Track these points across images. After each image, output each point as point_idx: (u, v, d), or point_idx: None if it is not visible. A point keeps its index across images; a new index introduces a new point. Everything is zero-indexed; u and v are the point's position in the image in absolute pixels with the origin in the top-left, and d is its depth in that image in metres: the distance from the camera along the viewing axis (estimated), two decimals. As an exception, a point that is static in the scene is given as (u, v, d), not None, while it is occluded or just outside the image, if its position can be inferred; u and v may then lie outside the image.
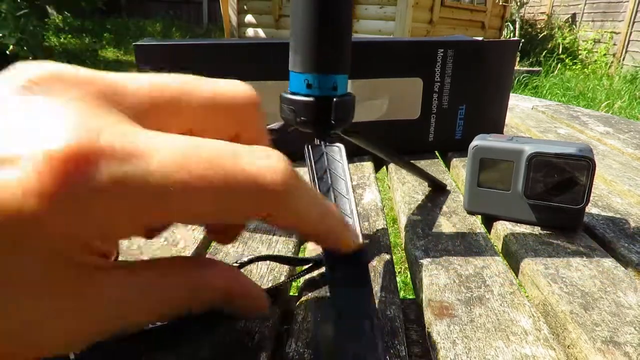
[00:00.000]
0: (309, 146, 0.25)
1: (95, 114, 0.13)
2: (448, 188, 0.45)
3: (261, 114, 0.18)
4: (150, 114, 0.15)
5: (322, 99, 0.27)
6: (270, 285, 0.28)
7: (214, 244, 0.35)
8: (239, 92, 0.17)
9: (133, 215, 0.13)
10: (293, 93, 0.28)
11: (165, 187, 0.12)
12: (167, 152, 0.13)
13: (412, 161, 0.54)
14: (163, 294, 0.15)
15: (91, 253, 0.13)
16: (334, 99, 0.28)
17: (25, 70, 0.14)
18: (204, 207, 0.13)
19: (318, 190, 0.23)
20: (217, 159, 0.13)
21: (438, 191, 0.44)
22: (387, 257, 0.32)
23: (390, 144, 0.55)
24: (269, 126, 0.32)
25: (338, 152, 0.26)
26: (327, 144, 0.26)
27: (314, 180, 0.24)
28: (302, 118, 0.28)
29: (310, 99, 0.27)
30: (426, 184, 0.46)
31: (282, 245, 0.34)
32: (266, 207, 0.14)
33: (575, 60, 5.12)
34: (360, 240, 0.19)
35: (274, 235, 0.36)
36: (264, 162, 0.14)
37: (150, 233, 0.18)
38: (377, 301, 0.27)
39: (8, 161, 0.12)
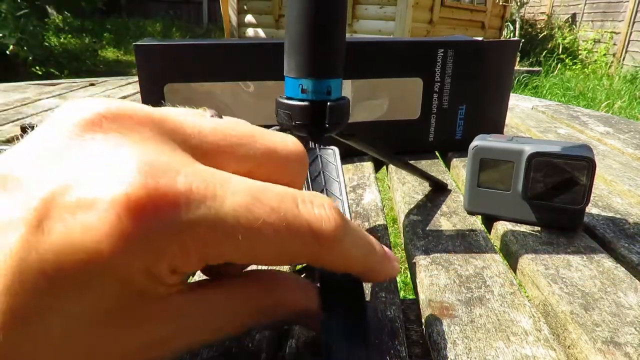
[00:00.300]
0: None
1: (169, 153, 0.14)
2: (449, 187, 0.45)
3: (306, 167, 0.19)
4: (211, 157, 0.16)
5: (317, 103, 0.28)
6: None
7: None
8: (294, 148, 0.18)
9: (202, 253, 0.13)
10: (288, 98, 0.29)
11: (235, 229, 0.13)
12: (237, 196, 0.13)
13: (411, 161, 0.54)
14: (231, 316, 0.16)
15: (157, 280, 0.13)
16: (329, 103, 0.28)
17: (94, 105, 0.14)
18: (263, 249, 0.14)
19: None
20: (281, 204, 0.14)
21: (439, 191, 0.44)
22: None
23: (390, 144, 0.56)
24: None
25: (332, 154, 0.26)
26: (322, 147, 0.27)
27: (308, 182, 0.24)
28: (297, 122, 0.28)
29: (305, 103, 0.28)
30: (426, 183, 0.46)
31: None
32: (317, 252, 0.15)
33: (575, 60, 5.12)
34: (398, 265, 0.20)
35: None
36: (320, 210, 0.15)
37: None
38: (377, 301, 0.27)
39: (88, 204, 0.12)
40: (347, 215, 0.22)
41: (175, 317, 0.14)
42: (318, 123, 0.28)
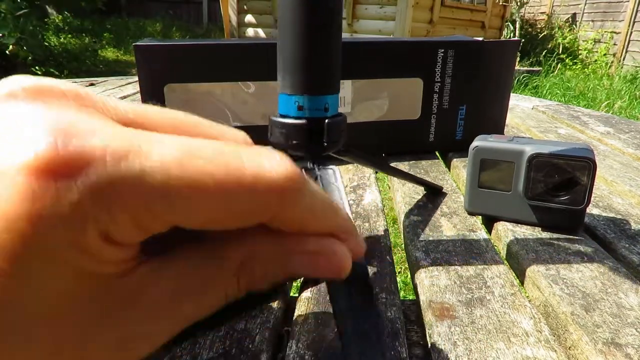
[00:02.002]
0: (302, 170, 0.25)
1: (87, 118, 0.12)
2: (445, 190, 0.45)
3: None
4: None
5: (314, 120, 0.27)
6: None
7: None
8: (240, 138, 0.17)
9: (133, 216, 0.12)
10: (283, 116, 0.27)
11: (165, 185, 0.12)
12: (167, 149, 0.12)
13: (412, 161, 0.54)
14: (208, 282, 0.15)
15: (91, 253, 0.12)
16: (326, 121, 0.27)
17: (16, 80, 0.14)
18: (207, 206, 0.13)
19: None
20: (220, 156, 0.13)
21: (435, 195, 0.44)
22: (388, 257, 0.32)
23: (390, 145, 0.56)
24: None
25: (332, 174, 0.25)
26: (321, 167, 0.25)
27: None
28: (294, 141, 0.27)
29: (302, 121, 0.26)
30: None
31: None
32: (272, 205, 0.14)
33: (575, 60, 5.12)
34: (364, 245, 0.18)
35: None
36: (268, 160, 0.13)
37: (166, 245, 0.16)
38: (377, 302, 0.27)
39: None
40: None
41: (142, 296, 0.13)
42: (316, 142, 0.27)
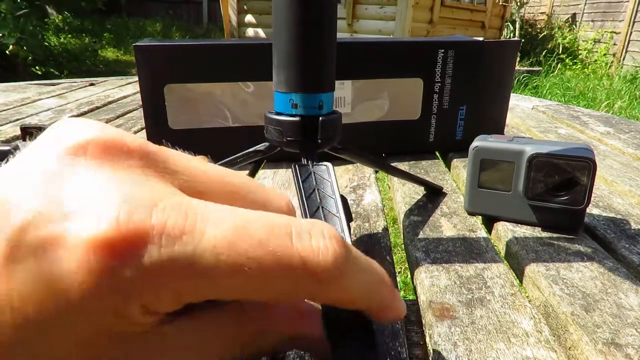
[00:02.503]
0: (296, 166, 0.25)
1: (152, 185, 0.13)
2: (445, 190, 0.45)
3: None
4: (200, 197, 0.14)
5: (309, 118, 0.27)
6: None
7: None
8: (287, 208, 0.17)
9: (177, 294, 0.12)
10: (278, 113, 0.28)
11: (214, 268, 0.12)
12: (219, 229, 0.12)
13: (412, 161, 0.54)
14: (218, 347, 0.15)
15: (128, 320, 0.12)
16: (320, 118, 0.27)
17: (72, 132, 0.13)
18: (248, 288, 0.13)
19: (307, 210, 0.23)
20: (271, 237, 0.13)
21: (435, 194, 0.44)
22: (388, 257, 0.32)
23: (390, 145, 0.56)
24: (254, 147, 0.32)
25: (326, 170, 0.25)
26: (315, 163, 0.26)
27: (302, 200, 0.24)
28: (288, 138, 0.27)
29: (296, 118, 0.27)
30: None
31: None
32: (314, 289, 0.14)
33: (575, 60, 5.12)
34: (404, 308, 0.17)
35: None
36: (318, 242, 0.13)
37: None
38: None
39: (54, 241, 0.11)
40: (347, 234, 0.22)
41: (156, 353, 0.14)
42: (310, 139, 0.27)
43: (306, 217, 0.23)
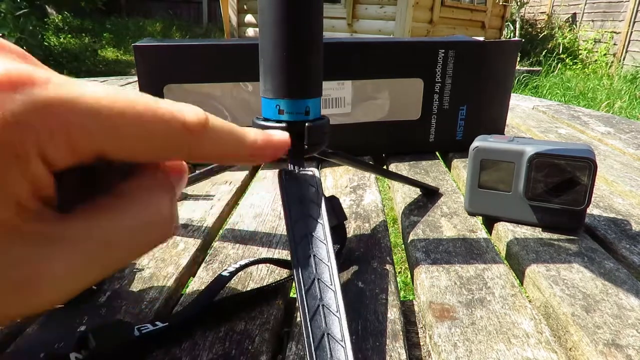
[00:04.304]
0: (282, 172, 0.25)
1: (30, 65, 0.14)
2: (445, 190, 0.45)
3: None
4: None
5: (295, 124, 0.27)
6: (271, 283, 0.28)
7: (214, 244, 0.34)
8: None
9: (68, 137, 0.13)
10: (265, 119, 0.28)
11: (96, 108, 0.14)
12: (96, 87, 0.14)
13: (412, 162, 0.54)
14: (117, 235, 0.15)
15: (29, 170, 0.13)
16: (307, 124, 0.27)
17: None
18: (132, 134, 0.15)
19: (290, 217, 0.23)
20: (141, 98, 0.15)
21: (431, 196, 0.44)
22: (388, 257, 0.32)
23: (390, 145, 0.56)
24: None
25: (312, 177, 0.25)
26: (301, 169, 0.26)
27: (287, 206, 0.24)
28: None
29: (283, 124, 0.27)
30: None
31: (284, 245, 0.34)
32: (188, 140, 0.16)
33: (575, 60, 5.12)
34: (286, 134, 0.21)
35: (273, 237, 0.36)
36: (180, 105, 0.16)
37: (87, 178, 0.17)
38: (377, 303, 0.27)
39: None
40: (329, 245, 0.22)
41: (47, 240, 0.14)
42: (296, 145, 0.27)
43: (290, 223, 0.23)
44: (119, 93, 0.15)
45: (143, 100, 0.15)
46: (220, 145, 0.18)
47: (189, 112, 0.16)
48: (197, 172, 0.37)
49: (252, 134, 0.20)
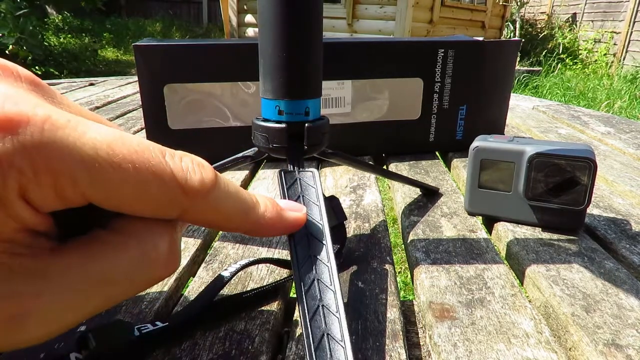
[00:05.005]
0: (282, 172, 0.25)
1: (33, 96, 0.14)
2: (445, 190, 0.45)
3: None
4: None
5: (294, 124, 0.27)
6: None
7: (214, 244, 0.34)
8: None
9: (56, 181, 0.12)
10: (265, 119, 0.28)
11: (92, 160, 0.13)
12: (99, 132, 0.13)
13: (412, 161, 0.54)
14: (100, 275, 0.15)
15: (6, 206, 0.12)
16: (306, 124, 0.28)
17: None
18: (123, 189, 0.14)
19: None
20: (144, 150, 0.14)
21: (431, 196, 0.44)
22: (388, 257, 0.32)
23: (390, 145, 0.56)
24: (243, 153, 0.32)
25: (311, 177, 0.25)
26: (301, 169, 0.26)
27: None
28: (274, 144, 0.28)
29: (282, 125, 0.27)
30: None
31: (284, 245, 0.34)
32: (184, 203, 0.15)
33: (575, 60, 5.12)
34: (298, 215, 0.20)
35: (273, 237, 0.36)
36: (187, 163, 0.15)
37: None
38: (377, 303, 0.27)
39: None
40: (329, 245, 0.22)
41: (41, 275, 0.13)
42: (296, 145, 0.28)
43: None
44: (122, 144, 0.14)
45: (145, 156, 0.14)
46: (221, 214, 0.17)
47: (194, 174, 0.15)
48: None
49: (263, 206, 0.18)
